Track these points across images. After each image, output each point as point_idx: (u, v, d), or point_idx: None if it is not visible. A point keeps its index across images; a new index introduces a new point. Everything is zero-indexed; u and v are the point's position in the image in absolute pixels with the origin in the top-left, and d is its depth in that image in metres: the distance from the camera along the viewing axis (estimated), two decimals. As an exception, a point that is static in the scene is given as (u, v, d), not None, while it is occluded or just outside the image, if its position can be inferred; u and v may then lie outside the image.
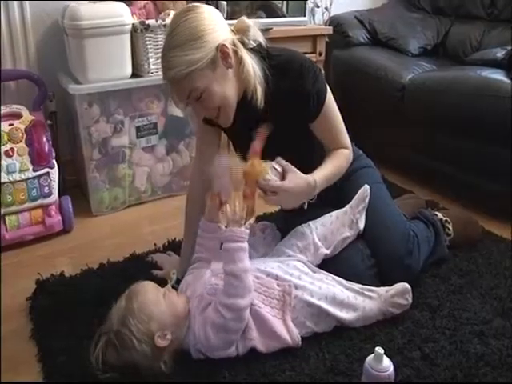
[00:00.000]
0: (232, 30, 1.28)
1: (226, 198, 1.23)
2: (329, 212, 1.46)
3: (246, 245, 1.18)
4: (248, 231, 1.19)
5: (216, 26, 1.22)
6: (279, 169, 1.27)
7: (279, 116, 1.30)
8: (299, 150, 1.36)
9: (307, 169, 1.32)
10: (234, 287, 1.15)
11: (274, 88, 1.30)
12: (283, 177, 1.27)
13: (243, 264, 1.16)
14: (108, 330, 1.15)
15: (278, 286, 1.25)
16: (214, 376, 1.18)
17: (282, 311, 1.23)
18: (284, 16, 2.43)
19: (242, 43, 1.27)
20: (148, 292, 1.19)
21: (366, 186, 1.46)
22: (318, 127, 1.38)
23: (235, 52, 1.25)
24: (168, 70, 1.20)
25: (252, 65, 1.27)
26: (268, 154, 1.25)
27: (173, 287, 1.31)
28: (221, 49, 1.20)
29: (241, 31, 1.28)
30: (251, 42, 1.29)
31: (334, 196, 1.51)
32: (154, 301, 1.17)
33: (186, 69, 1.18)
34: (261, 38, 1.30)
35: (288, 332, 1.22)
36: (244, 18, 1.29)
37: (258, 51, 1.31)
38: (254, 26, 1.28)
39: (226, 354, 1.19)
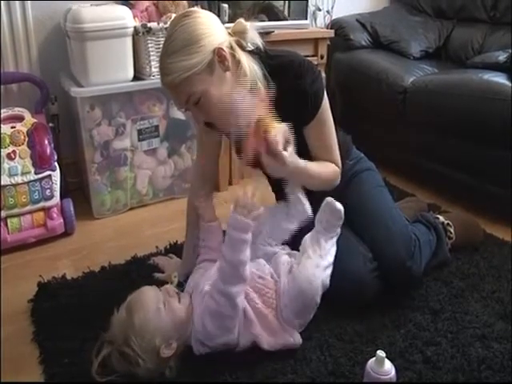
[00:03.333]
0: (229, 33, 1.28)
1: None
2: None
3: (248, 236, 1.15)
4: (253, 224, 1.15)
5: (212, 30, 1.21)
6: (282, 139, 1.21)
7: (278, 117, 1.29)
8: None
9: None
10: (229, 275, 1.15)
11: (273, 89, 1.30)
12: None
13: (242, 256, 1.14)
14: (110, 342, 1.15)
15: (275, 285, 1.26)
16: (215, 378, 1.18)
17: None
18: (286, 19, 2.42)
19: (240, 46, 1.27)
20: (148, 304, 1.17)
21: None
22: (311, 134, 1.34)
23: (233, 55, 1.24)
24: (165, 76, 1.20)
25: (250, 67, 1.27)
26: None
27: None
28: (217, 52, 1.20)
29: (238, 33, 1.28)
30: (249, 44, 1.29)
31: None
32: (154, 314, 1.16)
33: (182, 74, 1.17)
34: (258, 40, 1.29)
35: (289, 333, 1.24)
36: (241, 20, 1.29)
37: (257, 53, 1.31)
38: (252, 28, 1.28)
39: (224, 341, 1.18)
